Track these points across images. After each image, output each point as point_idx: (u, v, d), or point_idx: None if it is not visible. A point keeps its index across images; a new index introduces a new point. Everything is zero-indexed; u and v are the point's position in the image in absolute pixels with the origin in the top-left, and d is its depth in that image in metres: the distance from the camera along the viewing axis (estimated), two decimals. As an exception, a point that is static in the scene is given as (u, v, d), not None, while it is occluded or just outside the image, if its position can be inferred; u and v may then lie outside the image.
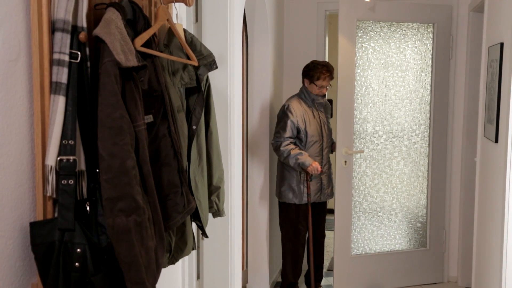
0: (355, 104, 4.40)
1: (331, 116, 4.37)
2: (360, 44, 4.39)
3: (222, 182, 2.39)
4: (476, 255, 3.65)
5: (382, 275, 4.62)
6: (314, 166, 3.91)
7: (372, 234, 4.61)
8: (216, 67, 2.16)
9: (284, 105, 4.09)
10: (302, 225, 4.13)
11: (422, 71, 4.54)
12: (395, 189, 4.60)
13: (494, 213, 3.14)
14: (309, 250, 4.18)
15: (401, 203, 4.63)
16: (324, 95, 4.22)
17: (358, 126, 4.45)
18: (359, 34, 4.39)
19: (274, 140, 4.05)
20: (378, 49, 4.45)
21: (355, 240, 4.57)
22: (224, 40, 2.89)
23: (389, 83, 4.48)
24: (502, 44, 3.06)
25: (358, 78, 4.40)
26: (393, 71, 4.48)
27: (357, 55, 4.38)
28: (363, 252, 4.58)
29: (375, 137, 4.51)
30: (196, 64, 2.02)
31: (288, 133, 3.99)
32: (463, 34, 4.52)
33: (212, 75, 2.73)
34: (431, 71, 4.54)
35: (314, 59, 4.67)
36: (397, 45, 4.48)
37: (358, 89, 4.41)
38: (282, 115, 4.06)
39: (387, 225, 4.63)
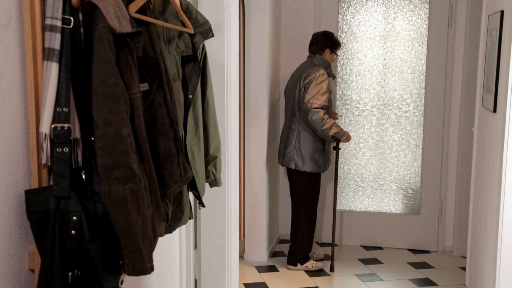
0: (337, 72, 4.72)
1: None
2: (344, 17, 4.69)
3: (219, 151, 2.38)
4: (472, 224, 3.68)
5: (368, 232, 4.86)
6: (348, 135, 4.10)
7: (357, 194, 4.88)
8: (212, 35, 2.12)
9: (319, 73, 3.98)
10: (319, 194, 4.25)
11: (415, 42, 4.62)
12: (383, 154, 4.79)
13: (491, 183, 3.15)
14: (334, 221, 4.28)
15: (390, 168, 4.80)
16: None
17: (341, 92, 4.76)
18: (343, 7, 4.68)
19: (316, 106, 3.91)
20: (364, 21, 4.68)
21: (337, 196, 4.88)
22: (220, 8, 2.84)
23: (377, 54, 4.68)
24: (502, 12, 3.02)
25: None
26: (381, 42, 4.67)
27: (339, 27, 4.69)
28: (347, 209, 4.88)
29: (360, 103, 4.76)
30: (192, 31, 1.99)
31: (327, 100, 3.97)
32: (463, 2, 4.47)
33: (209, 44, 2.69)
34: (427, 41, 4.57)
35: (311, 29, 4.65)
36: (385, 17, 4.64)
37: (341, 58, 4.72)
38: (320, 81, 3.95)
39: (373, 187, 4.85)
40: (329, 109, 4.05)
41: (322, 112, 3.92)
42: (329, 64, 4.16)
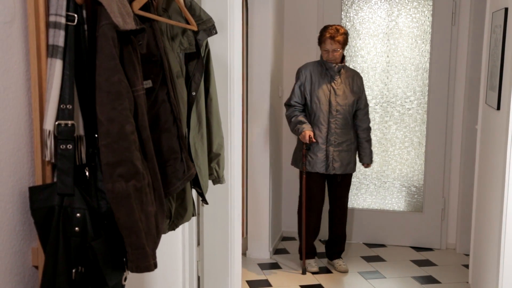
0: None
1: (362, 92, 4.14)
2: (347, 14, 4.69)
3: (222, 149, 2.38)
4: (475, 222, 3.67)
5: (371, 230, 4.86)
6: (303, 134, 3.93)
7: (360, 191, 4.88)
8: (216, 32, 2.12)
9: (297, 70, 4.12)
10: (315, 192, 4.10)
11: (419, 39, 4.61)
12: (385, 152, 4.79)
13: (494, 180, 3.14)
14: (301, 219, 4.14)
15: (393, 166, 4.80)
16: (342, 61, 4.02)
17: None
18: (347, 4, 4.68)
19: (287, 101, 4.11)
20: (367, 18, 4.67)
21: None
22: (223, 5, 2.84)
23: (380, 51, 4.68)
24: (506, 9, 3.01)
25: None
26: (384, 40, 4.66)
27: (342, 24, 4.65)
28: (350, 206, 4.84)
29: None
30: (195, 29, 1.99)
31: (295, 97, 4.03)
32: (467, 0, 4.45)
33: (212, 41, 2.68)
34: (430, 39, 4.56)
35: (315, 26, 4.64)
36: (388, 14, 4.63)
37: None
38: (295, 78, 4.10)
39: (376, 185, 4.85)
40: (309, 106, 4.00)
41: (288, 109, 4.06)
42: (324, 60, 3.97)
